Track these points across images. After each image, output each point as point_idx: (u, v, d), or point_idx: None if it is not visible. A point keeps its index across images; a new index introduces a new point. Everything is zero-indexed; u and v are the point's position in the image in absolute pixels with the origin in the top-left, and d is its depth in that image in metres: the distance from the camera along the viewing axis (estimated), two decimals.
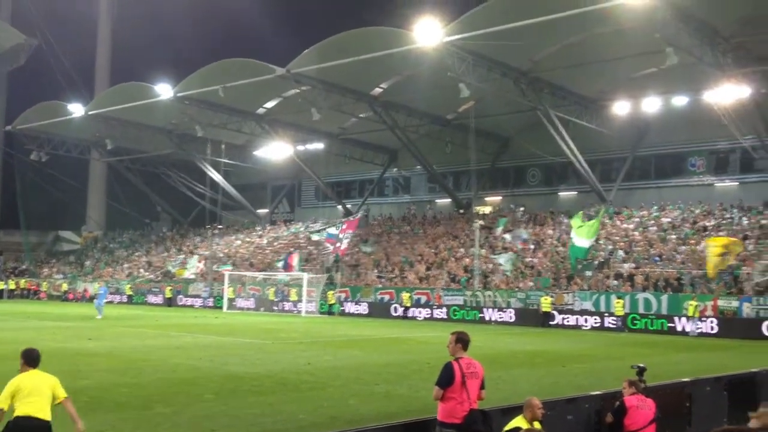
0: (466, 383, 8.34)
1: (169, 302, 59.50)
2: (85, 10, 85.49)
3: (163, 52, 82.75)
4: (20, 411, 7.85)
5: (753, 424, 3.75)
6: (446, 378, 8.40)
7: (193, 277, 60.90)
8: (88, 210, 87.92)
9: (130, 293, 63.40)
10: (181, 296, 60.63)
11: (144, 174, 78.46)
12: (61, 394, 8.29)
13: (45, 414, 8.01)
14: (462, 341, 8.70)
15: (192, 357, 21.94)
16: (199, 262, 62.35)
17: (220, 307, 54.39)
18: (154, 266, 70.16)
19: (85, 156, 77.10)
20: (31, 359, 8.23)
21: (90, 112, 61.21)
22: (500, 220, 52.94)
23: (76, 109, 61.80)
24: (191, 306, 58.23)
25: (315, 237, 57.41)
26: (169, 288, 60.93)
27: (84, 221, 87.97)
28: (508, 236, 48.45)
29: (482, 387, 8.64)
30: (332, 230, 53.80)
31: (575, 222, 41.88)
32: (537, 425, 8.48)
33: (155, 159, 74.14)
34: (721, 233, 43.14)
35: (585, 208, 53.30)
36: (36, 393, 7.99)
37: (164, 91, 54.98)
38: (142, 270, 70.14)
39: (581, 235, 40.53)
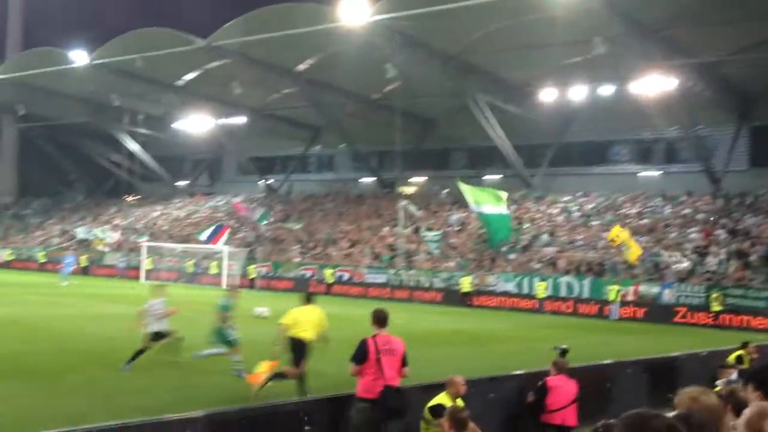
0: (381, 360, 8.33)
1: (85, 271, 57.98)
2: None
3: (80, 16, 79.89)
4: (293, 332, 12.38)
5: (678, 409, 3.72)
6: (360, 354, 8.44)
7: (107, 250, 59.36)
8: None
9: (43, 260, 61.47)
10: (96, 266, 59.18)
11: (59, 142, 75.84)
12: (323, 327, 12.84)
13: (309, 336, 12.57)
14: (377, 318, 8.67)
15: (107, 327, 21.28)
16: (115, 231, 60.79)
17: (138, 278, 53.18)
18: (69, 234, 68.14)
19: None
20: (306, 298, 13.28)
21: (1, 77, 58.63)
22: (413, 204, 52.81)
23: None
24: (108, 276, 56.81)
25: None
26: (85, 257, 59.34)
27: None
28: (454, 217, 48.45)
29: (404, 364, 8.58)
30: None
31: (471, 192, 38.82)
32: (459, 402, 8.43)
33: (70, 127, 71.54)
34: (643, 221, 44.19)
35: (510, 193, 53.92)
36: (305, 322, 12.62)
37: (80, 58, 52.84)
38: (55, 238, 68.05)
39: (490, 202, 36.62)
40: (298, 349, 12.42)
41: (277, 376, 12.21)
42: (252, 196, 67.74)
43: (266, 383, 12.08)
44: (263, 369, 11.90)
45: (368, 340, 8.48)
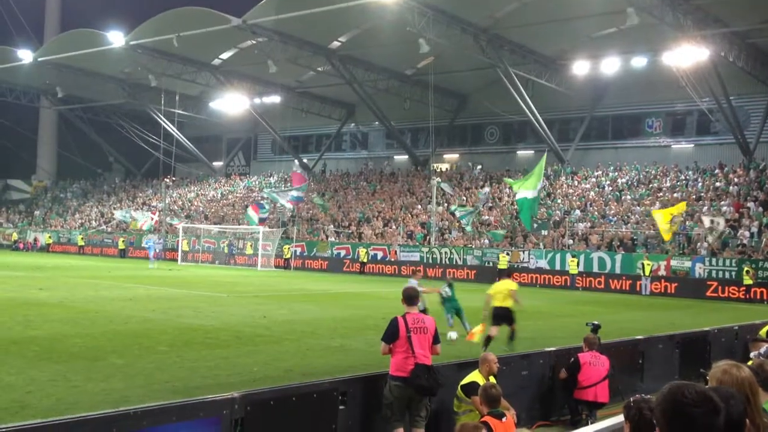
0: (412, 338, 8.31)
1: (123, 253, 58.85)
2: None
3: None
4: (496, 303, 15.71)
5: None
6: (390, 333, 8.43)
7: (147, 228, 60.24)
8: (38, 159, 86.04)
9: (82, 243, 62.49)
10: (133, 248, 60.08)
11: (96, 123, 76.80)
12: (514, 289, 16.16)
13: (508, 304, 15.71)
14: (405, 296, 8.68)
15: (145, 309, 21.68)
16: (153, 213, 61.61)
17: (175, 260, 53.90)
18: (107, 217, 69.17)
19: (34, 104, 75.20)
20: (506, 274, 17.76)
21: (39, 59, 59.34)
22: (447, 180, 52.78)
23: (25, 56, 59.78)
24: (145, 258, 57.56)
25: (266, 195, 56.61)
26: (122, 239, 60.19)
27: (34, 170, 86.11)
28: (482, 192, 48.27)
29: (436, 342, 8.58)
30: (275, 195, 53.21)
31: (512, 183, 40.29)
32: (492, 380, 8.51)
33: (107, 108, 72.55)
34: (675, 194, 43.72)
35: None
36: (502, 293, 15.78)
37: (116, 38, 53.29)
38: (93, 221, 69.10)
39: (525, 188, 36.31)
40: (501, 315, 15.64)
41: (488, 340, 15.34)
42: (287, 175, 68.19)
43: (486, 345, 14.97)
44: (478, 329, 15.46)
45: (398, 318, 8.45)
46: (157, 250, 48.93)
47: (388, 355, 8.53)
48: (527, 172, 52.41)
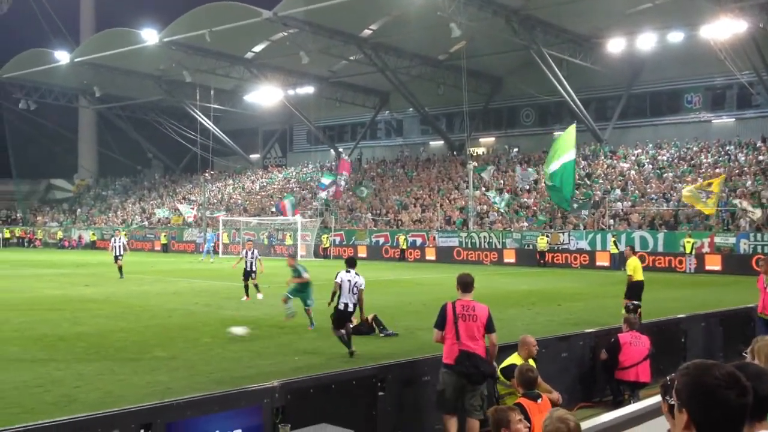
0: (458, 324, 8.27)
1: (165, 248, 59.65)
2: None
3: None
4: (635, 278, 17.10)
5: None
6: (439, 319, 8.45)
7: (190, 221, 60.99)
8: (79, 158, 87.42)
9: (125, 239, 63.37)
10: (176, 241, 60.87)
11: (134, 121, 77.82)
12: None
13: (641, 278, 17.29)
14: (459, 283, 8.65)
15: (188, 302, 21.97)
16: (192, 208, 62.33)
17: (216, 252, 54.41)
18: (148, 212, 70.12)
19: (73, 104, 76.39)
20: (632, 251, 18.71)
21: (76, 59, 60.28)
22: (484, 166, 52.43)
23: (62, 57, 60.83)
24: (186, 251, 58.30)
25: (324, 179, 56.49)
26: (164, 234, 60.97)
27: (76, 169, 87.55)
28: (520, 173, 47.87)
29: (489, 330, 8.40)
30: (325, 180, 53.48)
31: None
32: (531, 362, 8.49)
33: (144, 105, 73.44)
34: (717, 170, 42.96)
35: (580, 148, 53.15)
36: (639, 268, 17.39)
37: (150, 36, 53.97)
38: (136, 217, 70.09)
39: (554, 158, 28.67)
40: (639, 287, 17.18)
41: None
42: (324, 164, 68.53)
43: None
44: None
45: (447, 304, 8.45)
46: (212, 245, 49.77)
47: (439, 342, 8.51)
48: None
